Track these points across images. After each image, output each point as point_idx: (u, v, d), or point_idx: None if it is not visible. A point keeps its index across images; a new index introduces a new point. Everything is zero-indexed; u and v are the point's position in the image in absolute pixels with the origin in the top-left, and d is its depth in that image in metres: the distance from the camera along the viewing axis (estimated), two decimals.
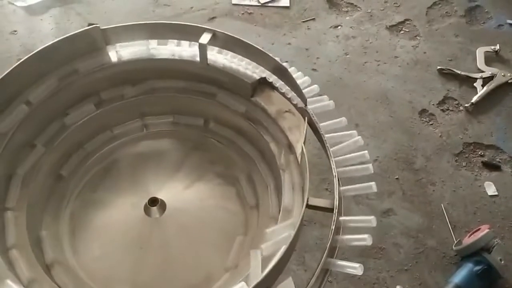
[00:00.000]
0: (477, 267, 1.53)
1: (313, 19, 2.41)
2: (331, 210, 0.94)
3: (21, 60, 1.04)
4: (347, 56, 2.25)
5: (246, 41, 1.11)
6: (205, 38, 1.11)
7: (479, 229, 1.62)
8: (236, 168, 1.20)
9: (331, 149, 1.03)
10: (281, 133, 1.09)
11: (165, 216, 1.08)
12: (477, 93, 2.09)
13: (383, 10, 2.46)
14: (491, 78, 2.14)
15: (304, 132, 1.03)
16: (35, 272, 0.92)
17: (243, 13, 2.42)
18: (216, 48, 1.17)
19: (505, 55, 2.26)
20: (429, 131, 1.99)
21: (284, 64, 1.09)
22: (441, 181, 1.83)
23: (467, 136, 1.97)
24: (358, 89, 2.12)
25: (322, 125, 1.08)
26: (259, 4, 2.45)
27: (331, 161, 1.01)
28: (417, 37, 2.34)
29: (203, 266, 1.06)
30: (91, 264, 1.06)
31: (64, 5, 2.42)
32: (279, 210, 0.99)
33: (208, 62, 1.16)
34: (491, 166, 1.88)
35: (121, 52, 1.17)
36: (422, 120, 2.02)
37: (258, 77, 1.13)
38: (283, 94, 1.12)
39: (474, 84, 2.13)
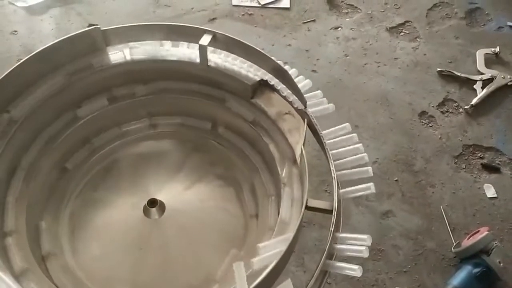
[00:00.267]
0: (476, 270, 1.53)
1: (313, 20, 2.41)
2: (330, 211, 0.94)
3: (21, 60, 1.05)
4: (347, 57, 2.25)
5: (246, 42, 1.11)
6: (205, 39, 1.11)
7: (478, 231, 1.62)
8: (236, 170, 1.20)
9: (331, 152, 1.03)
10: (283, 139, 1.08)
11: (164, 217, 1.08)
12: (477, 95, 2.09)
13: (383, 11, 2.46)
14: (491, 80, 2.14)
15: (304, 134, 1.03)
16: (28, 262, 0.93)
17: (243, 14, 2.42)
18: (217, 50, 1.17)
19: (505, 57, 2.26)
20: (429, 133, 1.99)
21: (285, 66, 1.10)
22: (441, 183, 1.83)
23: (466, 138, 1.97)
24: (358, 90, 2.12)
25: (325, 132, 1.07)
26: (260, 5, 2.45)
27: (330, 163, 1.01)
28: (417, 39, 2.34)
29: (203, 267, 1.06)
30: (90, 264, 1.06)
31: (65, 6, 2.42)
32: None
33: (208, 64, 1.16)
34: (491, 168, 1.88)
35: (133, 51, 1.18)
36: (422, 122, 2.02)
37: (258, 79, 1.13)
38: (283, 96, 1.12)
39: (474, 86, 2.13)
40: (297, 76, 1.18)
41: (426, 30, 2.37)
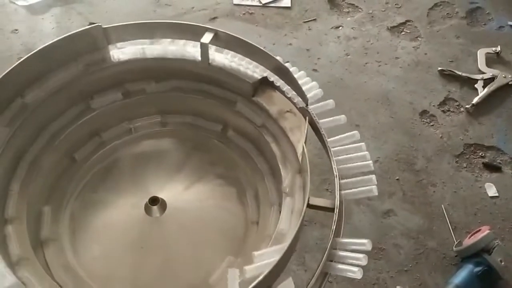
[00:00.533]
0: (477, 268, 1.53)
1: (314, 19, 2.41)
2: (332, 210, 0.94)
3: (22, 59, 1.04)
4: (348, 56, 2.25)
5: (248, 40, 1.11)
6: (207, 37, 1.11)
7: (479, 230, 1.62)
8: (240, 171, 1.19)
9: (333, 149, 1.03)
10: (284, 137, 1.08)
11: (165, 215, 1.08)
12: (478, 94, 2.09)
13: (384, 11, 2.46)
14: (492, 79, 2.14)
15: (305, 132, 1.03)
16: (26, 251, 0.93)
17: (244, 14, 2.42)
18: (218, 48, 1.17)
19: (506, 57, 2.26)
20: (430, 132, 1.99)
21: (286, 64, 1.09)
22: (442, 182, 1.83)
23: (467, 137, 1.97)
24: (359, 90, 2.12)
25: (321, 122, 1.07)
26: (261, 5, 2.45)
27: (332, 161, 1.01)
28: (418, 38, 2.34)
29: (203, 266, 1.05)
30: (91, 263, 1.05)
31: (65, 5, 2.42)
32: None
33: (210, 62, 1.16)
34: (492, 168, 1.88)
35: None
36: (423, 121, 2.02)
37: (259, 77, 1.13)
38: (284, 94, 1.12)
39: (475, 86, 2.13)
40: (302, 76, 1.18)
41: (427, 30, 2.37)
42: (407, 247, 1.66)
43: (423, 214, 1.74)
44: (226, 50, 1.17)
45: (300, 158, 1.01)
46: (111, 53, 1.16)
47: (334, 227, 0.91)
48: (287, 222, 0.96)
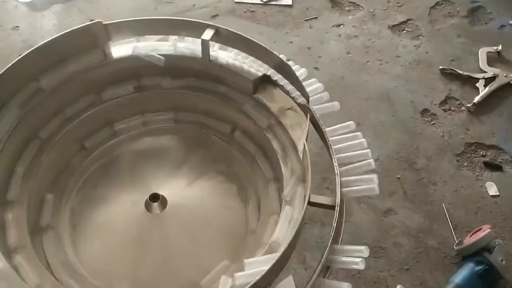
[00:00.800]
0: (478, 267, 1.52)
1: (316, 18, 2.40)
2: (332, 207, 0.93)
3: (22, 55, 1.04)
4: (349, 55, 2.24)
5: (248, 37, 1.11)
6: (207, 34, 1.11)
7: (480, 229, 1.62)
8: (238, 166, 1.19)
9: (334, 146, 1.03)
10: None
11: (165, 212, 1.08)
12: (479, 93, 2.08)
13: (385, 9, 2.45)
14: (493, 78, 2.13)
15: (306, 129, 1.03)
16: (23, 239, 0.94)
17: (245, 11, 2.41)
18: (218, 44, 1.17)
19: (507, 56, 2.25)
20: (431, 131, 1.98)
21: (289, 62, 1.09)
22: (443, 181, 1.83)
23: (468, 136, 1.97)
24: (360, 88, 2.11)
25: (328, 130, 1.06)
26: (262, 3, 2.44)
27: (333, 158, 1.00)
28: (419, 37, 2.33)
29: (204, 262, 1.05)
30: (92, 260, 1.06)
31: (66, 2, 2.42)
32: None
33: (210, 59, 1.16)
34: (493, 167, 1.87)
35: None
36: (424, 120, 2.02)
37: (260, 74, 1.12)
38: (285, 91, 1.12)
39: (476, 85, 2.12)
40: (300, 70, 1.17)
41: (428, 28, 2.37)
42: (407, 246, 1.66)
43: (424, 213, 1.74)
44: (230, 48, 1.17)
45: (301, 155, 1.01)
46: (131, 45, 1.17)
47: (334, 224, 0.91)
48: (282, 232, 0.95)
